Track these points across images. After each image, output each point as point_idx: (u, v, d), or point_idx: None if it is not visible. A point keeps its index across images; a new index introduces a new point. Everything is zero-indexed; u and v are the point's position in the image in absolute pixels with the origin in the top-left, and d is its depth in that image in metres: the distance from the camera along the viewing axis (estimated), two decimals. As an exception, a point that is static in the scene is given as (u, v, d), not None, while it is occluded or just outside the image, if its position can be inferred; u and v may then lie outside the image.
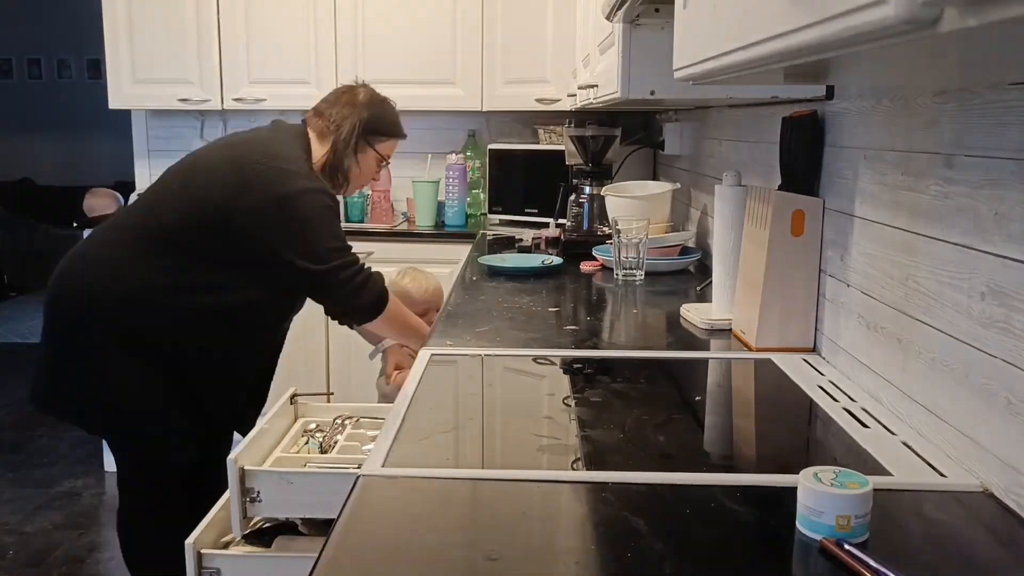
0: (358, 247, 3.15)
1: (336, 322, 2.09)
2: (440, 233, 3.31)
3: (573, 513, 0.93)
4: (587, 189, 2.75)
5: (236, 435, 2.04)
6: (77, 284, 1.92)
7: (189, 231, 1.88)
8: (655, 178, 3.42)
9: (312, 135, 2.09)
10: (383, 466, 1.04)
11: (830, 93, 1.48)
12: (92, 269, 1.92)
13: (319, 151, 2.07)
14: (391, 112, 2.19)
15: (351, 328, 2.16)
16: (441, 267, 3.21)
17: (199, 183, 1.93)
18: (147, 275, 1.88)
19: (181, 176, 1.98)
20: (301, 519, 1.61)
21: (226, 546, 1.61)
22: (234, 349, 2.01)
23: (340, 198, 2.21)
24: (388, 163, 2.24)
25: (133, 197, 3.63)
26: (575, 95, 2.81)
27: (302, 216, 1.89)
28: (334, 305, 2.00)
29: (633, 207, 2.41)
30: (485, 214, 3.55)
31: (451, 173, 3.37)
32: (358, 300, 1.96)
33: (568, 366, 1.51)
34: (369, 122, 2.10)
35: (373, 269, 2.00)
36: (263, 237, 1.88)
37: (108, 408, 1.92)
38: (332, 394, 1.95)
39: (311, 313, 2.17)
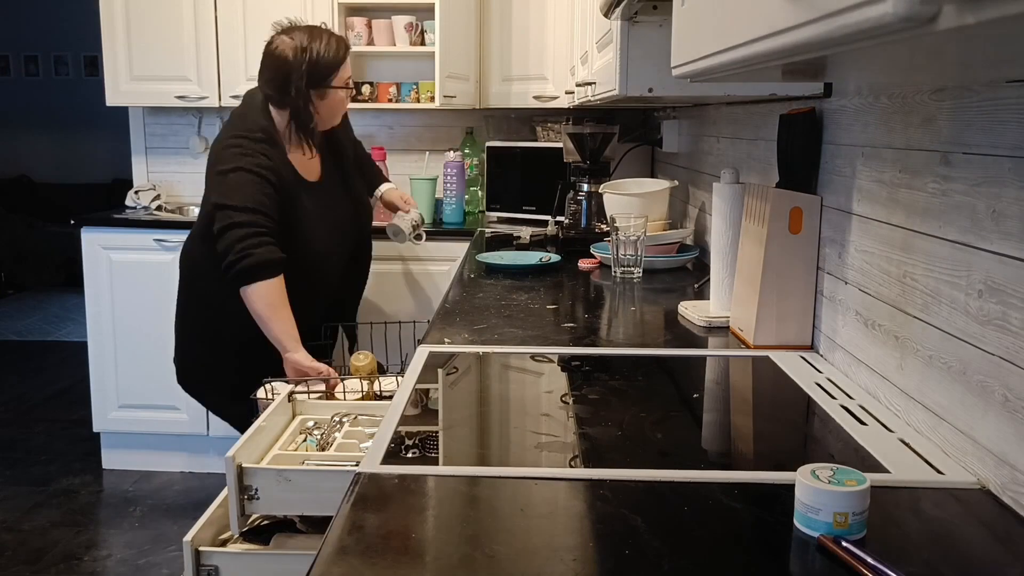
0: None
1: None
2: (438, 231, 3.30)
3: (571, 510, 0.93)
4: (585, 186, 2.75)
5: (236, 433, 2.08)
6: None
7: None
8: (653, 175, 3.42)
9: (270, 106, 2.22)
10: (381, 463, 1.04)
11: (828, 90, 1.48)
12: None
13: (280, 119, 2.22)
14: (323, 48, 2.22)
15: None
16: (439, 264, 3.21)
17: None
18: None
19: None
20: (299, 517, 1.61)
21: (224, 544, 1.61)
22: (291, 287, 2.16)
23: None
24: (351, 86, 2.34)
25: (131, 194, 3.63)
26: (573, 92, 2.81)
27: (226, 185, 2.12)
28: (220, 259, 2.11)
29: (631, 204, 2.42)
30: (483, 211, 3.55)
31: (449, 170, 3.37)
32: (232, 260, 2.05)
33: (566, 363, 1.51)
34: (309, 76, 2.18)
35: (269, 247, 2.06)
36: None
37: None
38: (330, 392, 1.95)
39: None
